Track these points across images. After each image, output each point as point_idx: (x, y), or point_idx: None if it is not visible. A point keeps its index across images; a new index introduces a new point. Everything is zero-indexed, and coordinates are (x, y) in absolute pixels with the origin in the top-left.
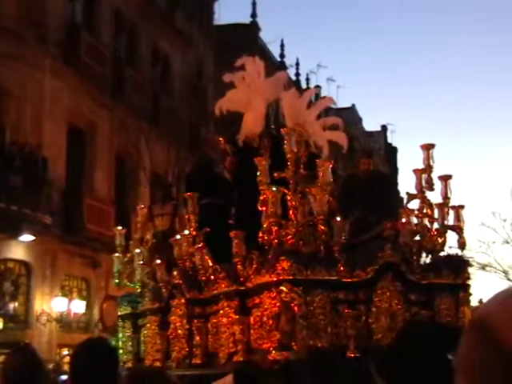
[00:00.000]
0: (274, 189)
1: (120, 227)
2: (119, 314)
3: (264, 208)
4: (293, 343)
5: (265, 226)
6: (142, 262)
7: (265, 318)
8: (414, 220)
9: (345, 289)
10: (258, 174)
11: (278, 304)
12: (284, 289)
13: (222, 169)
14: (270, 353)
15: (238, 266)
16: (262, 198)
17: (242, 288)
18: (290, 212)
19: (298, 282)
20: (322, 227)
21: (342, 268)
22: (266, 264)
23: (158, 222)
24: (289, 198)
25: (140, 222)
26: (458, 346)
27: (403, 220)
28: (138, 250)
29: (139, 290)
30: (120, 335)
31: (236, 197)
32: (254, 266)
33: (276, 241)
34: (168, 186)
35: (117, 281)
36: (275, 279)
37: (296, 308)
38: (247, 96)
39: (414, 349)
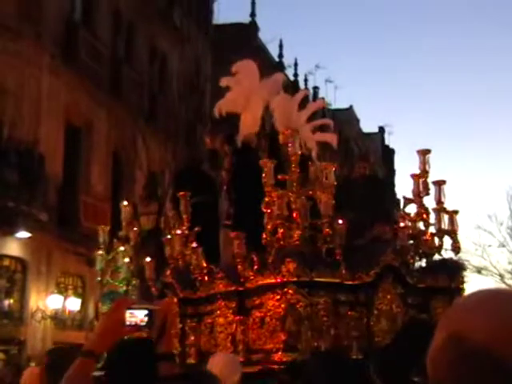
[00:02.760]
0: (281, 191)
1: (109, 225)
2: (102, 312)
3: (269, 210)
4: (298, 345)
5: (268, 227)
6: (127, 260)
7: (267, 319)
8: (409, 224)
9: (347, 291)
10: (264, 175)
11: (282, 305)
12: (290, 290)
13: (209, 168)
14: (274, 353)
15: (239, 267)
16: (266, 199)
17: (242, 289)
18: (294, 214)
19: (304, 283)
20: (327, 229)
21: (344, 270)
22: (269, 265)
23: (144, 220)
24: (292, 200)
25: (124, 219)
26: (434, 361)
27: (401, 224)
28: (122, 248)
29: (124, 289)
30: None
31: (233, 197)
32: (256, 267)
33: (282, 242)
34: (155, 184)
35: (99, 278)
36: (279, 280)
37: (301, 309)
38: (245, 97)
39: (412, 349)
